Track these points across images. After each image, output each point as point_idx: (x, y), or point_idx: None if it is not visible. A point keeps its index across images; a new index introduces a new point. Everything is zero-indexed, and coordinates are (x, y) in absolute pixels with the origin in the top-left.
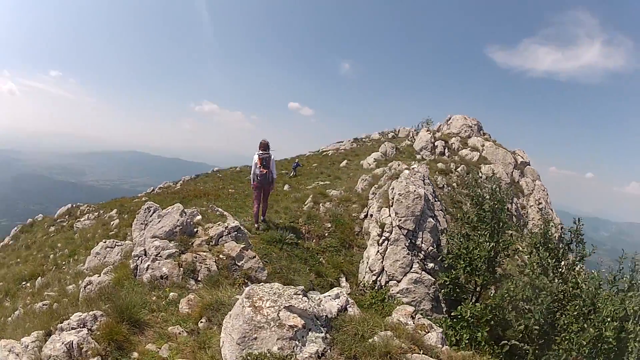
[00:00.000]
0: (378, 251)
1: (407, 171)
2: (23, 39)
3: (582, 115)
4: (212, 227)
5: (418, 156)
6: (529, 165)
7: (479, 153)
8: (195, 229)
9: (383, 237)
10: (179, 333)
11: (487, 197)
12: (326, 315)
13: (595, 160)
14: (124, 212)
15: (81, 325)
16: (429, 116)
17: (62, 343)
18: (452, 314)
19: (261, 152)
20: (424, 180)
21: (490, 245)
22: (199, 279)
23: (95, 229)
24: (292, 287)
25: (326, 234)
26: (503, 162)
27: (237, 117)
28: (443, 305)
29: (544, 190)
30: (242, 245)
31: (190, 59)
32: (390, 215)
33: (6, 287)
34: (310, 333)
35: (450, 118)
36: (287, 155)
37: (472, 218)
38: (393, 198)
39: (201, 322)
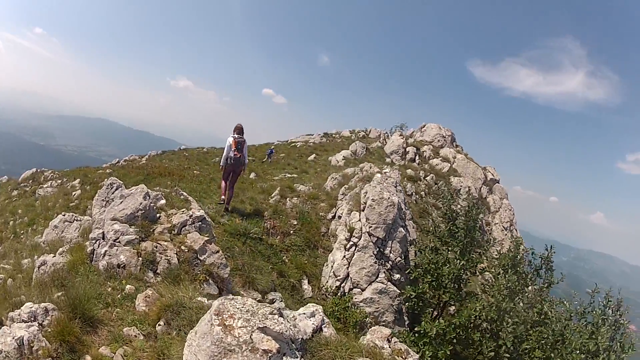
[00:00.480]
0: (344, 256)
1: (379, 175)
2: None
3: (554, 140)
4: (175, 213)
5: (388, 159)
6: (498, 183)
7: (449, 164)
8: (158, 215)
9: (351, 242)
10: (135, 336)
11: (461, 213)
12: (302, 337)
13: (561, 185)
14: (87, 182)
15: (32, 319)
16: (404, 121)
17: (13, 338)
18: (416, 329)
19: (237, 135)
20: (396, 187)
21: (461, 263)
22: (158, 271)
23: (56, 197)
24: (267, 305)
25: (291, 232)
26: (473, 176)
27: (210, 97)
28: (405, 318)
29: (510, 210)
30: (206, 238)
31: (171, 30)
32: (360, 220)
33: None
34: (284, 358)
35: (424, 126)
36: (256, 142)
37: (444, 233)
38: (365, 203)
39: (159, 324)
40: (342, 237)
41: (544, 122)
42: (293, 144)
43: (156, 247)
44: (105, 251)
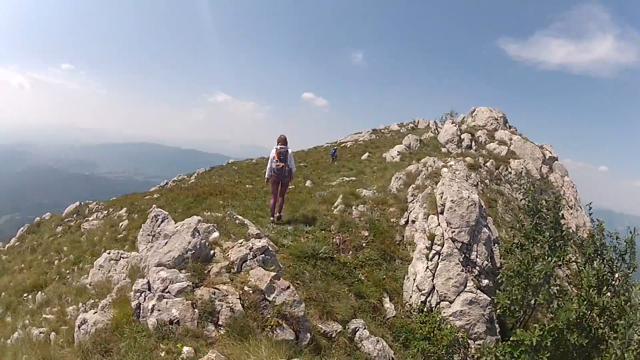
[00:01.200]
0: (427, 267)
1: (445, 170)
2: (35, 33)
3: (594, 109)
4: (232, 246)
5: (444, 149)
6: (557, 160)
7: (507, 147)
8: (211, 252)
9: (433, 251)
10: None
11: (545, 205)
12: None
13: (608, 154)
14: (134, 211)
15: None
16: (449, 109)
17: None
18: (512, 338)
19: (279, 146)
20: (467, 181)
21: (553, 260)
22: (220, 322)
23: (103, 230)
24: None
25: (364, 244)
26: (532, 156)
27: (250, 108)
28: (497, 326)
29: (573, 187)
30: (273, 273)
31: (202, 50)
32: (440, 225)
33: (7, 300)
34: None
35: (474, 110)
36: (305, 147)
37: (529, 229)
38: (443, 205)
39: None
40: (421, 246)
41: (582, 92)
42: (343, 144)
43: (214, 293)
44: (154, 305)
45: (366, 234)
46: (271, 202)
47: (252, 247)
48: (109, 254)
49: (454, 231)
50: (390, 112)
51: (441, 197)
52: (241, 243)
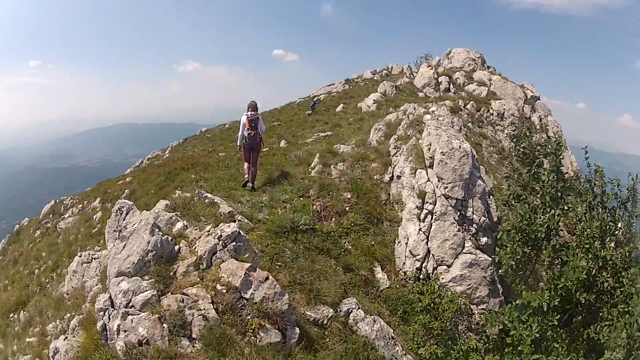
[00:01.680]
0: (420, 229)
1: (428, 117)
2: None
3: (571, 47)
4: (199, 237)
5: (421, 94)
6: (539, 99)
7: (487, 88)
8: (176, 247)
9: (425, 211)
10: None
11: (541, 149)
12: None
13: (586, 91)
14: (107, 199)
15: None
16: (428, 50)
17: None
18: (518, 301)
19: (250, 113)
20: (453, 127)
21: (557, 213)
22: (194, 335)
23: (78, 227)
24: None
25: (347, 208)
26: (513, 96)
27: (221, 72)
28: (499, 286)
29: (557, 127)
30: (247, 265)
31: (163, 21)
32: (430, 181)
33: None
34: None
35: (450, 52)
36: (277, 104)
37: (526, 178)
38: (432, 157)
39: None
40: (411, 205)
41: (558, 30)
42: (317, 98)
43: (182, 300)
44: (119, 325)
45: (349, 196)
46: (245, 166)
47: (220, 236)
48: (80, 257)
49: (447, 187)
50: (363, 62)
51: (429, 149)
52: (209, 231)
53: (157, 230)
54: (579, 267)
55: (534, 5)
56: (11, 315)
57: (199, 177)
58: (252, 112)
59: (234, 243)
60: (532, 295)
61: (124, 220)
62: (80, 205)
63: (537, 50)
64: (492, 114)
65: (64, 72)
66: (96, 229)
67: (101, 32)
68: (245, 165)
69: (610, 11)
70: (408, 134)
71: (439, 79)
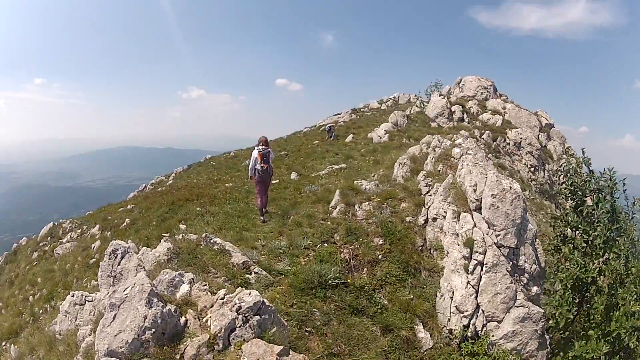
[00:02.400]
0: (468, 282)
1: (457, 150)
2: (3, 53)
3: (571, 71)
4: (211, 305)
5: (434, 124)
6: (554, 126)
7: (501, 117)
8: (181, 318)
9: (474, 262)
10: None
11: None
12: None
13: (588, 115)
14: (107, 227)
15: None
16: (436, 79)
17: None
18: (572, 355)
19: (261, 147)
20: (487, 162)
21: (611, 257)
22: None
23: (75, 255)
24: None
25: (379, 256)
26: (528, 125)
27: (225, 100)
28: (547, 337)
29: (575, 154)
30: (278, 348)
31: (170, 46)
32: (478, 227)
33: None
34: None
35: (461, 80)
36: (283, 134)
37: (575, 219)
38: (479, 200)
39: None
40: (456, 255)
41: (558, 55)
42: (323, 128)
43: None
44: None
45: (380, 242)
46: (258, 202)
47: (240, 307)
48: (72, 296)
49: (499, 234)
50: (367, 92)
51: (474, 189)
52: (223, 299)
53: (155, 300)
54: (635, 312)
55: (533, 31)
56: (3, 343)
57: (205, 210)
58: (264, 147)
59: (258, 317)
60: (585, 347)
61: (118, 265)
62: (79, 230)
63: (538, 76)
64: (509, 144)
65: (69, 91)
66: (94, 259)
67: (108, 54)
68: (259, 200)
69: (608, 32)
70: (438, 169)
71: (452, 108)
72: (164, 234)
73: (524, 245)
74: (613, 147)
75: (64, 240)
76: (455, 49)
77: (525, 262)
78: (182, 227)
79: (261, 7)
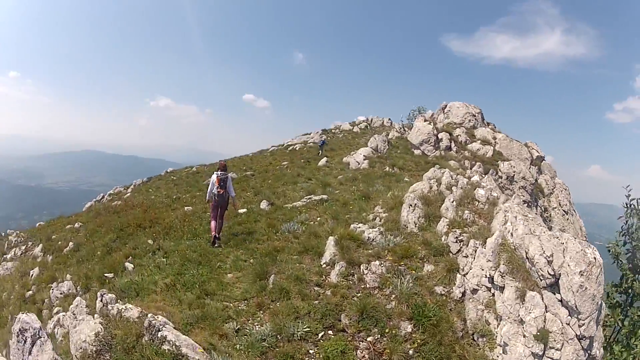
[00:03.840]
0: None
1: (481, 191)
2: None
3: (540, 102)
4: None
5: (417, 151)
6: (544, 159)
7: (492, 147)
8: None
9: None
10: None
11: None
12: None
13: (555, 146)
14: (50, 249)
15: None
16: (421, 105)
17: None
18: None
19: (220, 172)
20: (534, 213)
21: None
22: None
23: (13, 281)
24: None
25: (411, 352)
26: (519, 157)
27: (191, 111)
28: None
29: (565, 190)
30: None
31: (144, 54)
32: (552, 312)
33: None
34: None
35: (446, 106)
36: (249, 151)
37: None
38: (555, 276)
39: None
40: (522, 351)
41: (527, 85)
42: (291, 148)
43: None
44: None
45: (409, 327)
46: (212, 225)
47: None
48: None
49: (583, 324)
50: (335, 113)
51: (548, 261)
52: None
53: None
54: None
55: (504, 60)
56: None
57: (158, 245)
58: (222, 172)
59: None
60: None
61: (29, 354)
62: (24, 247)
63: (507, 106)
64: (501, 177)
65: (40, 88)
66: (30, 292)
67: (82, 56)
68: (213, 223)
69: (580, 64)
70: (464, 217)
71: (439, 135)
72: (106, 274)
73: (597, 325)
74: (580, 177)
75: (8, 256)
76: (427, 75)
77: (597, 350)
78: (129, 266)
79: (232, 21)
